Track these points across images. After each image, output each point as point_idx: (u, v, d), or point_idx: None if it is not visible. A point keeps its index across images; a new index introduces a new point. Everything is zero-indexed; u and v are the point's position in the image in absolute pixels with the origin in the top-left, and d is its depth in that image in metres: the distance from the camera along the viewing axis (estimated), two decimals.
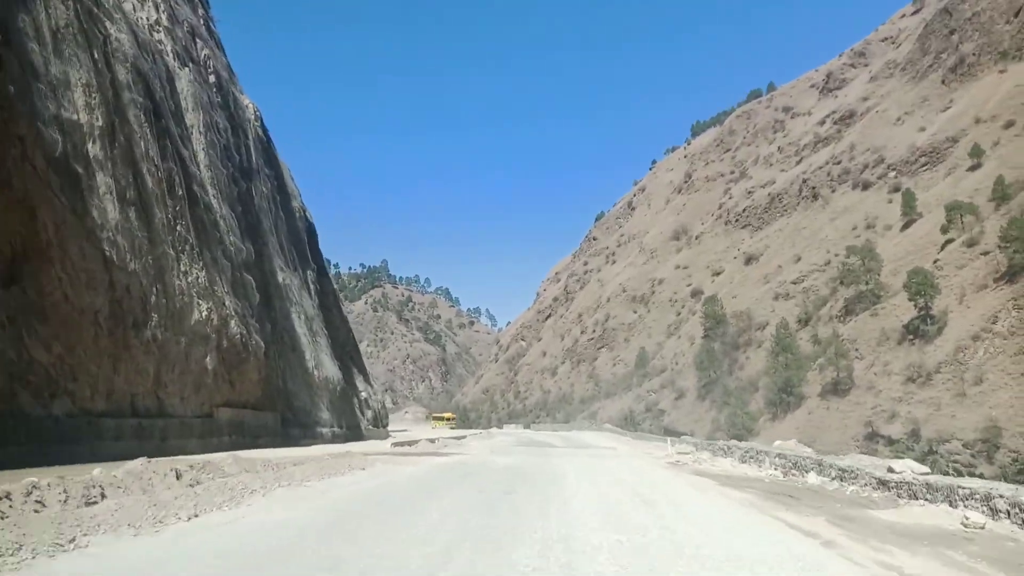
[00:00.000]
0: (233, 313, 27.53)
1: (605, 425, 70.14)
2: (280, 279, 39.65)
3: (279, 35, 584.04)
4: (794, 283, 72.11)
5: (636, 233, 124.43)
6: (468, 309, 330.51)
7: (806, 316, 64.33)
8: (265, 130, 47.45)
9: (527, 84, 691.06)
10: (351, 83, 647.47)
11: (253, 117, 44.25)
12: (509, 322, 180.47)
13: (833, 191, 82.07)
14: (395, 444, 33.89)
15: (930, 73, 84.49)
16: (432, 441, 37.86)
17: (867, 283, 58.34)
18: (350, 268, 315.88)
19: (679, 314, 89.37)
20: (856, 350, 53.07)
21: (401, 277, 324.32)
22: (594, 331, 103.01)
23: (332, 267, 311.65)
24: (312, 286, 48.36)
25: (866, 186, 77.56)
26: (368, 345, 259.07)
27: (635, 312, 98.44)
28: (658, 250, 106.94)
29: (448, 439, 43.01)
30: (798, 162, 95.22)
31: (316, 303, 47.29)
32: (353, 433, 44.52)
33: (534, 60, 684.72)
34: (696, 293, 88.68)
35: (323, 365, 43.12)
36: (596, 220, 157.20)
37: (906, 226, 64.49)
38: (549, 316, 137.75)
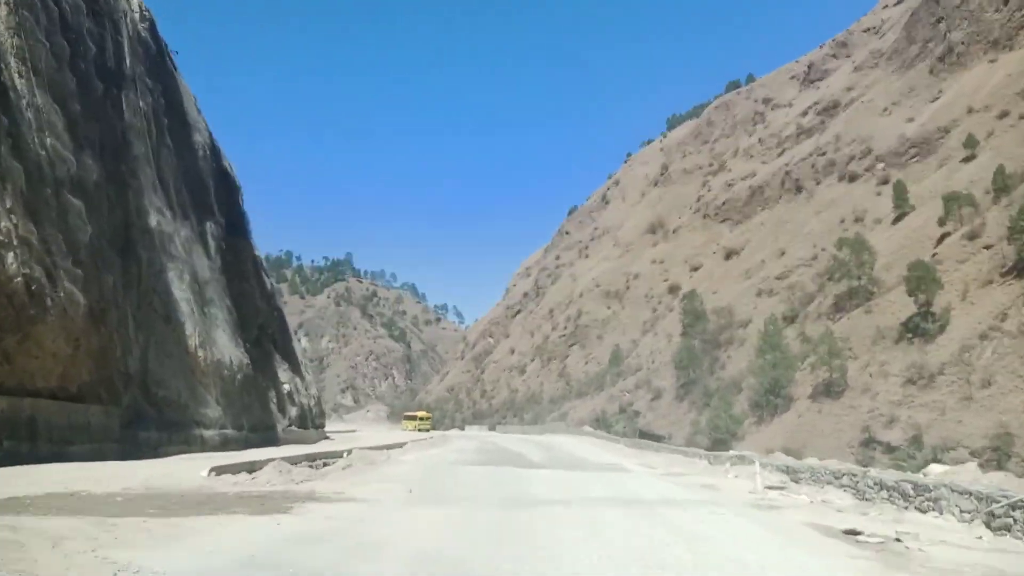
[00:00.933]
0: (15, 242, 18.13)
1: (585, 428, 64.72)
2: (153, 223, 29.74)
3: (241, 23, 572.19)
4: (778, 279, 68.20)
5: (610, 227, 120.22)
6: (435, 306, 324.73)
7: (792, 313, 60.36)
8: (158, 39, 37.61)
9: (497, 82, 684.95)
10: (320, 78, 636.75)
11: (137, 13, 34.02)
12: (478, 319, 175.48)
13: (818, 183, 78.45)
14: (286, 458, 20.45)
15: (917, 63, 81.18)
16: (345, 455, 25.44)
17: (859, 278, 54.47)
18: (312, 261, 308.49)
19: (655, 310, 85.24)
20: (849, 349, 49.04)
21: (366, 271, 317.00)
22: (565, 327, 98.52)
23: (294, 259, 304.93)
24: (215, 243, 36.84)
25: (853, 178, 74.01)
26: (329, 341, 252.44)
27: (609, 308, 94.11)
28: (633, 244, 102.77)
29: (381, 447, 32.04)
30: (780, 154, 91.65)
31: (218, 266, 36.37)
32: (263, 436, 33.68)
33: (503, 56, 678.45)
34: (673, 289, 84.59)
35: (216, 344, 32.82)
36: (569, 214, 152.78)
37: (898, 219, 60.84)
38: (519, 312, 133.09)
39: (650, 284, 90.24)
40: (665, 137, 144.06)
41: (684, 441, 51.70)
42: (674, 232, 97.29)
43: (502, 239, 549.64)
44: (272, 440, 33.88)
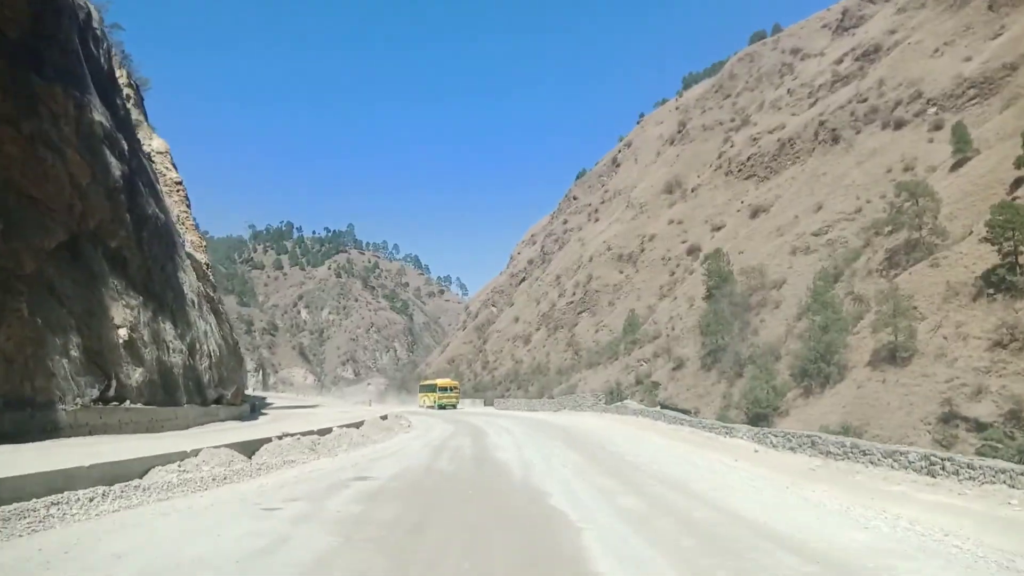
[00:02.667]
0: None
1: (627, 403, 46.17)
2: None
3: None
4: (815, 235, 60.30)
5: (622, 189, 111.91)
6: (438, 277, 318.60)
7: (836, 271, 52.45)
8: None
9: (504, 47, 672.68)
10: (321, 48, 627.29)
11: None
12: (481, 289, 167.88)
13: (858, 132, 70.11)
14: None
15: (972, 0, 72.54)
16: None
17: (920, 228, 46.56)
18: (313, 232, 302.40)
19: (673, 273, 77.37)
20: (914, 308, 41.21)
21: (368, 243, 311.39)
22: (574, 294, 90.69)
23: (295, 230, 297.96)
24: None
25: (899, 125, 65.71)
26: (330, 313, 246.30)
27: (621, 272, 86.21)
28: (648, 204, 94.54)
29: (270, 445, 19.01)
30: (812, 104, 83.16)
31: None
32: (19, 422, 15.41)
33: (509, 21, 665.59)
34: (693, 250, 76.65)
35: None
36: (577, 178, 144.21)
37: (958, 164, 52.63)
38: (523, 280, 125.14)
39: (667, 246, 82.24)
40: (681, 96, 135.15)
41: (715, 416, 44.14)
42: (693, 191, 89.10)
43: (507, 209, 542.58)
44: (42, 428, 16.22)
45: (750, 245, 66.57)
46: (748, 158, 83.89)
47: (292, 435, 20.23)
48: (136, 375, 19.90)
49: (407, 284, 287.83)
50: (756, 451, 21.56)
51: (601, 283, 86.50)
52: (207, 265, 36.73)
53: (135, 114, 29.37)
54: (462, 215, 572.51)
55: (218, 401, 30.33)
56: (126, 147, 22.27)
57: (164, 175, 33.18)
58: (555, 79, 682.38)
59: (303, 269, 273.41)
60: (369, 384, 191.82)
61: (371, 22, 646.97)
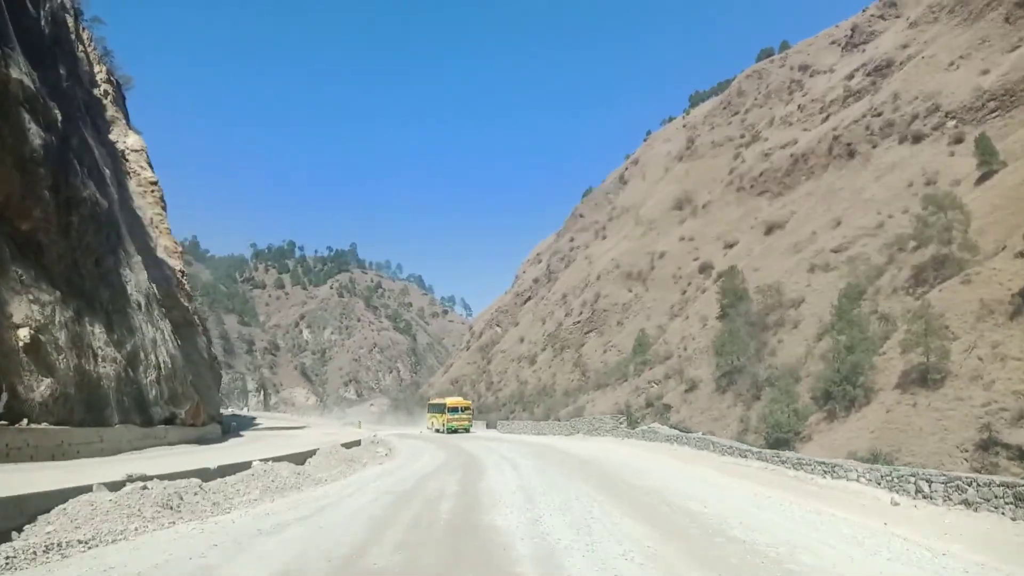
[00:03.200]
0: None
1: (655, 427, 42.35)
2: None
3: (252, 13, 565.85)
4: (835, 251, 58.10)
5: (630, 206, 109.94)
6: (442, 298, 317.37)
7: (858, 289, 50.18)
8: None
9: (508, 69, 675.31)
10: (323, 66, 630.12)
11: None
12: (485, 309, 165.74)
13: (874, 147, 68.22)
14: None
15: (988, 12, 70.77)
16: None
17: (950, 242, 44.39)
18: (316, 251, 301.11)
19: (684, 292, 75.13)
20: (945, 327, 38.90)
21: (371, 262, 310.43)
22: (581, 313, 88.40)
23: (297, 250, 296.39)
24: None
25: (917, 138, 63.80)
26: (332, 332, 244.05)
27: (630, 291, 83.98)
28: (657, 221, 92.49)
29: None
30: (825, 119, 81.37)
31: None
32: None
33: (513, 44, 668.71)
34: (705, 268, 74.49)
35: None
36: (583, 196, 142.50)
37: (984, 178, 50.63)
38: (529, 299, 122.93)
39: (678, 263, 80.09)
40: (688, 114, 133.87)
41: (733, 439, 41.73)
42: (703, 208, 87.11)
43: (512, 229, 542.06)
44: None
45: (765, 262, 64.40)
46: (760, 174, 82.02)
47: (153, 480, 13.67)
48: (42, 387, 16.40)
49: (410, 304, 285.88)
50: (896, 504, 15.37)
51: (609, 302, 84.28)
52: (182, 273, 34.52)
53: (112, 110, 27.35)
54: (466, 235, 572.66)
55: (170, 421, 26.20)
56: (59, 118, 19.40)
57: (138, 174, 31.18)
58: (559, 100, 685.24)
59: (305, 288, 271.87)
60: (372, 405, 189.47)
61: (377, 42, 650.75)
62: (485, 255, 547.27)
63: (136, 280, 23.09)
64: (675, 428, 45.83)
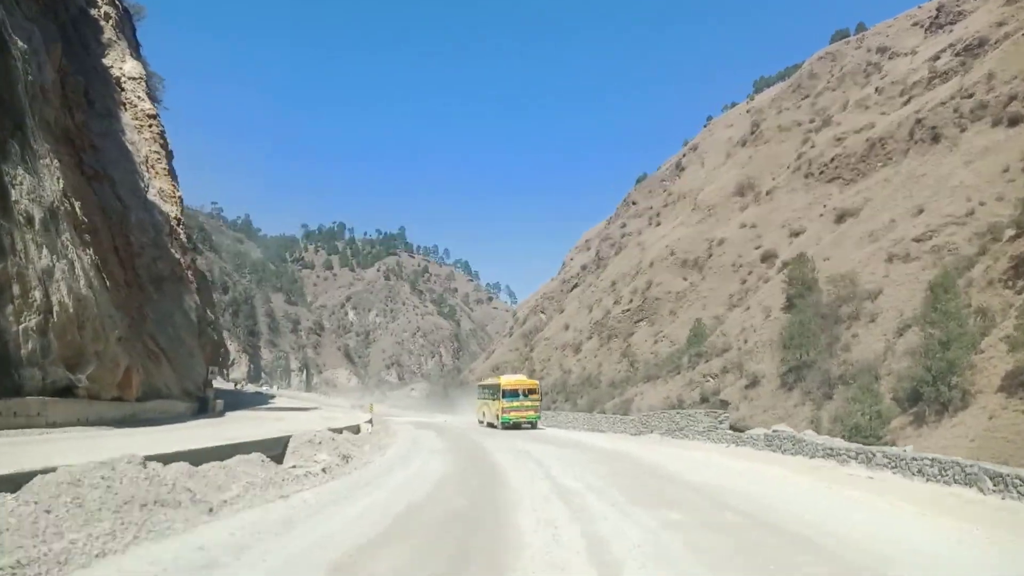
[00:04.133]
0: None
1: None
2: None
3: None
4: (917, 241, 52.58)
5: (687, 191, 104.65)
6: (488, 284, 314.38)
7: (945, 280, 44.76)
8: None
9: (561, 55, 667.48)
10: (375, 49, 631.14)
11: None
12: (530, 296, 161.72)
13: (963, 130, 62.04)
14: None
15: None
16: None
17: None
18: (365, 233, 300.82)
19: (745, 281, 70.05)
20: None
21: (419, 246, 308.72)
22: (631, 301, 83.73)
23: (347, 231, 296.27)
24: None
25: (1015, 121, 57.52)
26: (377, 315, 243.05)
27: (686, 279, 79.05)
28: (717, 207, 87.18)
29: None
30: (906, 102, 75.15)
31: None
32: None
33: (567, 29, 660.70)
34: (768, 256, 69.28)
35: None
36: (637, 182, 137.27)
37: None
38: (575, 286, 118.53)
39: (738, 251, 74.87)
40: (752, 100, 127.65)
41: (665, 429, 37.08)
42: (767, 194, 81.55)
43: (559, 216, 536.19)
44: None
45: (837, 251, 59.04)
46: (831, 159, 76.21)
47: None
48: None
49: (456, 290, 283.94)
50: None
51: (662, 290, 79.46)
52: (178, 221, 30.73)
53: (111, 33, 23.91)
54: (514, 222, 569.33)
55: (66, 392, 17.83)
56: None
57: (135, 105, 27.78)
58: (612, 86, 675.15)
59: (352, 270, 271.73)
60: (412, 390, 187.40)
61: (432, 24, 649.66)
62: (532, 242, 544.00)
63: (35, 187, 16.97)
64: (734, 426, 40.98)
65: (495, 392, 43.82)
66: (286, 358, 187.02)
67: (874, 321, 47.32)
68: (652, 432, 36.66)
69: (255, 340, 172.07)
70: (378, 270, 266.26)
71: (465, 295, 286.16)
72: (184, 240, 31.66)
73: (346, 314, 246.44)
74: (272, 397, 73.81)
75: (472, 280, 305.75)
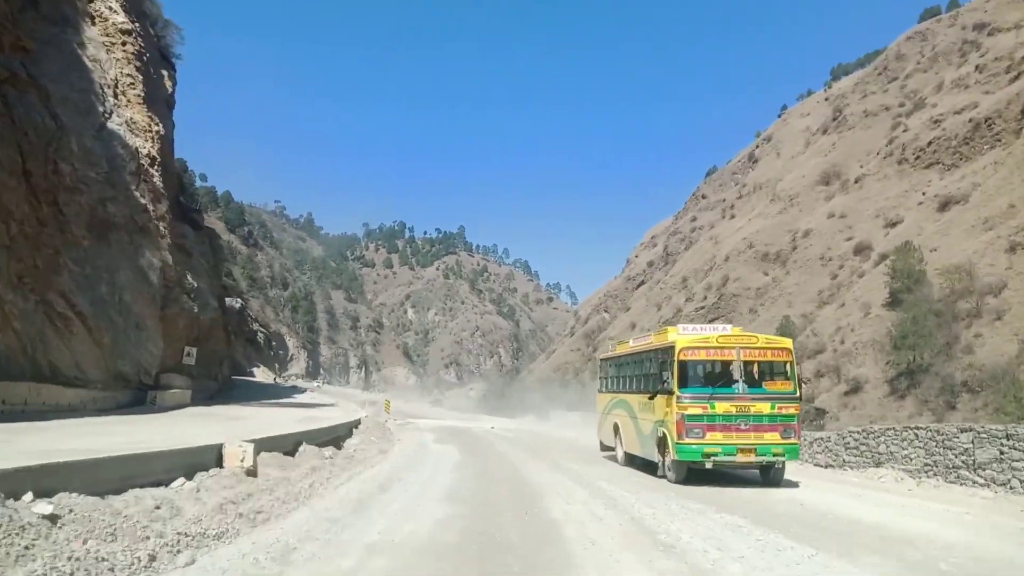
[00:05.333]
0: None
1: None
2: None
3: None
4: None
5: (764, 182, 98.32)
6: (547, 284, 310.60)
7: None
8: None
9: (623, 53, 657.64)
10: (443, 49, 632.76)
11: None
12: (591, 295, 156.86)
13: None
14: None
15: None
16: None
17: None
18: (425, 232, 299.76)
19: (835, 276, 63.97)
20: None
21: (478, 245, 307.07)
22: (705, 298, 78.23)
23: (407, 230, 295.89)
24: None
25: None
26: (436, 314, 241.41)
27: (766, 274, 73.22)
28: (800, 197, 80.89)
29: None
30: (1014, 78, 67.82)
31: None
32: None
33: (628, 27, 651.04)
34: (862, 248, 63.05)
35: None
36: (706, 176, 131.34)
37: None
38: (642, 283, 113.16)
39: (827, 243, 68.72)
40: (830, 87, 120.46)
41: (921, 464, 31.63)
42: (856, 182, 75.07)
43: (620, 215, 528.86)
44: None
45: (945, 241, 52.79)
46: (928, 143, 69.46)
47: None
48: None
49: (515, 289, 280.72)
50: None
51: (740, 286, 73.77)
52: (153, 160, 25.56)
53: None
54: (575, 221, 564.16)
55: None
56: None
57: (104, 18, 24.13)
58: (675, 83, 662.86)
59: (412, 269, 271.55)
60: (471, 390, 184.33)
61: (497, 24, 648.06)
62: (593, 241, 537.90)
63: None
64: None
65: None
66: (345, 355, 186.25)
67: (1000, 319, 41.26)
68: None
69: (314, 336, 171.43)
70: (437, 269, 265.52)
71: (525, 295, 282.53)
72: (159, 185, 26.73)
73: (405, 312, 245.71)
74: (302, 391, 71.71)
75: (532, 280, 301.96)
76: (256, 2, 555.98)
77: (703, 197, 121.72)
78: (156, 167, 26.08)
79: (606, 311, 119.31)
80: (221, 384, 47.60)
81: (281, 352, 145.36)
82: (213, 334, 45.02)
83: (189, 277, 32.79)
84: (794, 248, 72.48)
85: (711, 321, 74.38)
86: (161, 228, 26.28)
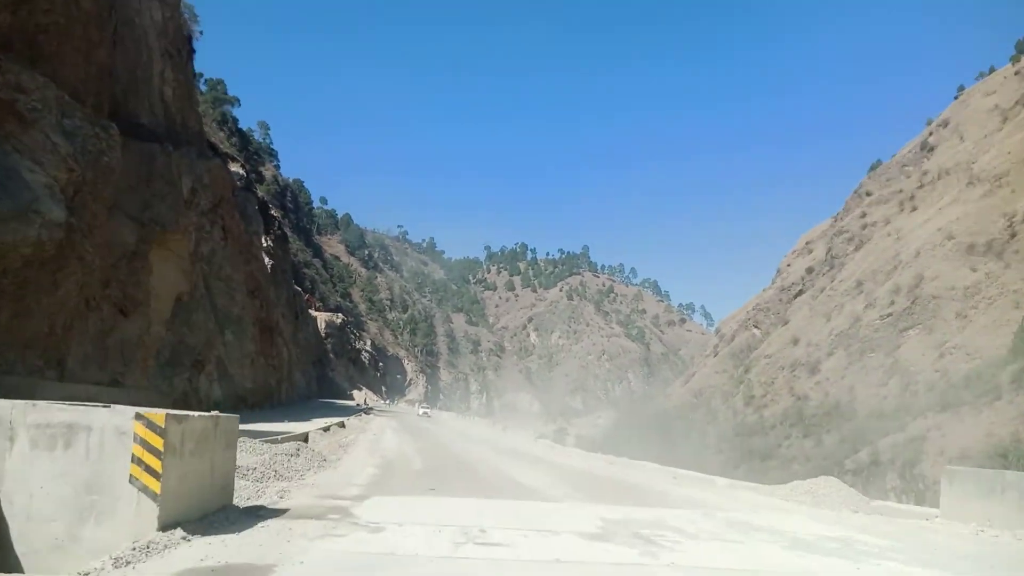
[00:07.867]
0: None
1: None
2: None
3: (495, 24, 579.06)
4: None
5: (951, 167, 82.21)
6: (679, 305, 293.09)
7: None
8: None
9: (764, 49, 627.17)
10: (561, 67, 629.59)
11: None
12: (732, 314, 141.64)
13: None
14: None
15: None
16: None
17: None
18: (547, 254, 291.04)
19: None
20: None
21: (603, 265, 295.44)
22: (892, 303, 63.59)
23: (528, 252, 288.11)
24: None
25: None
26: (560, 337, 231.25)
27: (974, 269, 58.14)
28: (1008, 176, 64.98)
29: None
30: None
31: None
32: None
33: (763, 26, 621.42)
34: None
35: None
36: (869, 171, 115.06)
37: None
38: (800, 292, 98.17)
39: None
40: (1019, 60, 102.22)
41: None
42: None
43: (764, 228, 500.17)
44: None
45: None
46: None
47: None
48: None
49: (644, 311, 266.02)
50: None
51: (940, 286, 58.87)
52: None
53: None
54: (706, 238, 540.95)
55: None
56: None
57: None
58: (818, 84, 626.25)
59: (535, 291, 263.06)
60: (599, 418, 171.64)
61: (610, 35, 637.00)
62: (729, 255, 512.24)
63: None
64: None
65: None
66: (465, 380, 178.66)
67: None
68: None
69: (433, 360, 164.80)
70: (560, 290, 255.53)
71: (655, 316, 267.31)
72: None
73: (528, 335, 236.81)
74: (367, 408, 66.64)
75: (662, 300, 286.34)
76: (384, 37, 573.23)
77: (868, 194, 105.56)
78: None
79: (756, 326, 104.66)
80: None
81: (399, 376, 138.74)
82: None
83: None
84: (1012, 236, 56.95)
85: (903, 331, 59.94)
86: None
